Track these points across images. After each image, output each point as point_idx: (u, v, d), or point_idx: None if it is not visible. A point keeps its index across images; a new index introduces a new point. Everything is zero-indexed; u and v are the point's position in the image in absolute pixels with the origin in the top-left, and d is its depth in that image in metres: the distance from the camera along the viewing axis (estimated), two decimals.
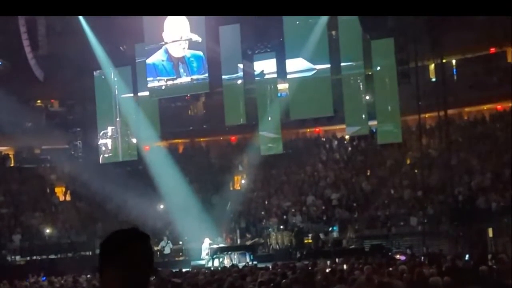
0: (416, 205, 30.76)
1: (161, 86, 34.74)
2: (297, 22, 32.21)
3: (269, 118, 34.13)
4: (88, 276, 22.74)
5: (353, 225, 31.15)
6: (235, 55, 34.16)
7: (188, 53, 34.15)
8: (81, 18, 34.25)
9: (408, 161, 34.99)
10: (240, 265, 25.67)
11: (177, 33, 33.81)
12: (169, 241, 31.70)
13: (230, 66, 34.32)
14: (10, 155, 39.28)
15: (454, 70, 36.64)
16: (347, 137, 37.81)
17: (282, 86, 35.29)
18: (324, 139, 40.08)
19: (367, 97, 33.46)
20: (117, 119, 35.10)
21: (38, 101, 41.61)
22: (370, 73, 33.27)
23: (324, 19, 31.46)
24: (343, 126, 34.64)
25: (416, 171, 33.04)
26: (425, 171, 31.22)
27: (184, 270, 24.13)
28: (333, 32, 34.03)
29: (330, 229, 31.47)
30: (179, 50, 34.13)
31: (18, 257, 30.83)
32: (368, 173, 35.42)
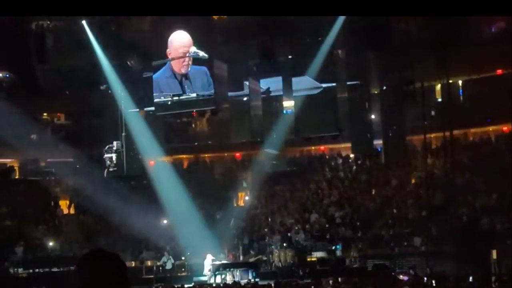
0: (420, 225, 30.66)
1: (167, 101, 34.72)
2: (307, 40, 32.17)
3: (274, 135, 34.14)
4: None
5: (356, 244, 31.05)
6: (241, 72, 34.23)
7: (193, 69, 34.18)
8: (88, 32, 34.32)
9: (413, 181, 34.92)
10: (243, 282, 25.61)
11: (183, 49, 33.86)
12: (170, 257, 31.63)
13: (236, 83, 34.38)
14: (15, 167, 39.34)
15: (460, 90, 36.67)
16: (352, 155, 37.78)
17: (288, 104, 35.28)
18: (328, 157, 40.07)
19: (373, 116, 33.45)
20: (123, 134, 35.09)
21: (44, 114, 41.71)
22: (376, 92, 33.30)
23: (331, 37, 31.51)
24: (348, 144, 34.60)
25: (420, 191, 32.96)
26: (429, 191, 31.16)
27: (186, 286, 24.06)
28: (339, 51, 34.09)
29: (334, 247, 31.36)
30: (184, 66, 34.16)
31: (20, 270, 30.74)
32: (373, 192, 35.35)
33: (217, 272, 29.11)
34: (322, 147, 40.20)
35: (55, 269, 30.71)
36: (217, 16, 35.07)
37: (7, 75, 38.45)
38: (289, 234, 33.16)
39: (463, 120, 32.99)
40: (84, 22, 33.34)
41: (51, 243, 33.33)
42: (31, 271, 30.67)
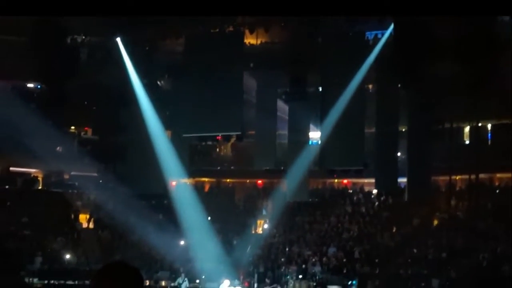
0: (439, 267, 30.26)
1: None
2: (339, 72, 32.08)
3: (298, 166, 34.05)
4: None
5: (373, 281, 30.68)
6: (269, 99, 34.35)
7: None
8: (122, 49, 34.69)
9: (435, 222, 34.55)
10: None
11: None
12: (186, 278, 31.47)
13: (264, 110, 34.48)
14: (39, 178, 39.62)
15: (489, 134, 36.40)
16: (374, 191, 37.56)
17: (314, 135, 35.29)
18: (351, 191, 39.85)
19: (399, 153, 33.26)
20: (148, 152, 35.24)
21: (72, 127, 42.09)
22: (404, 129, 33.18)
23: (362, 72, 31.49)
24: (372, 180, 34.38)
25: (442, 232, 32.60)
26: (451, 233, 30.81)
27: None
28: (370, 86, 34.07)
29: (350, 282, 31.03)
30: None
31: (36, 280, 30.79)
32: (393, 230, 35.02)
33: None
34: (345, 181, 40.03)
35: (69, 282, 30.72)
36: (249, 42, 35.35)
37: (39, 86, 38.94)
38: (305, 266, 32.90)
39: (490, 164, 32.68)
40: (118, 39, 33.71)
41: (68, 256, 33.39)
42: (46, 282, 30.70)
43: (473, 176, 30.18)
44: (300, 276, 31.62)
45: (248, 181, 42.43)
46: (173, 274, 32.25)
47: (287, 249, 35.37)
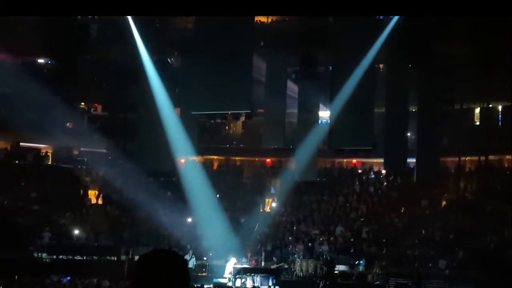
0: (446, 248, 30.28)
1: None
2: (349, 51, 31.88)
3: (307, 145, 33.99)
4: None
5: (380, 261, 30.74)
6: (279, 78, 34.19)
7: None
8: (132, 25, 34.53)
9: (443, 203, 34.51)
10: None
11: None
12: (193, 256, 31.62)
13: (273, 89, 34.35)
14: (48, 153, 39.78)
15: (499, 116, 36.18)
16: (383, 171, 37.49)
17: (323, 114, 35.17)
18: (360, 171, 39.83)
19: (408, 134, 33.12)
20: (157, 130, 35.24)
21: (82, 103, 42.13)
22: (414, 109, 33.00)
23: (373, 51, 31.27)
24: (381, 160, 34.28)
25: (450, 213, 32.57)
26: (459, 214, 30.76)
27: (205, 286, 24.04)
28: (381, 66, 33.83)
29: (357, 262, 31.10)
30: None
31: (44, 255, 31.04)
32: (402, 211, 35.02)
33: (237, 276, 29.01)
34: (354, 160, 40.01)
35: (78, 257, 30.93)
36: (259, 20, 35.17)
37: (49, 62, 38.94)
38: (312, 245, 32.98)
39: (499, 146, 32.52)
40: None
41: (76, 231, 33.59)
42: (54, 257, 30.93)
43: (482, 158, 30.06)
44: (307, 255, 31.69)
45: (256, 159, 42.48)
46: (181, 251, 32.37)
47: (294, 228, 35.47)
